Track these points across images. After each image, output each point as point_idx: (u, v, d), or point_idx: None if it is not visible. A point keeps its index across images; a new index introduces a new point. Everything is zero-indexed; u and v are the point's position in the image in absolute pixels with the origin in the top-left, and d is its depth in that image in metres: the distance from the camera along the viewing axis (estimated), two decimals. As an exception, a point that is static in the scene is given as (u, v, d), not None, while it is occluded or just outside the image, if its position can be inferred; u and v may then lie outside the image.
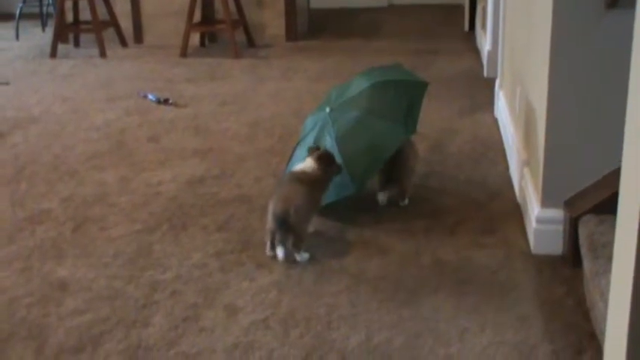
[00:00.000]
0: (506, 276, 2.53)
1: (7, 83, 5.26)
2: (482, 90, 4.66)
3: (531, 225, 2.69)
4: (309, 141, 3.06)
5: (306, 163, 2.83)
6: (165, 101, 4.64)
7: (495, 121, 4.09)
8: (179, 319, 2.35)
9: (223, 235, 2.90)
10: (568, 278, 2.48)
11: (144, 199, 3.26)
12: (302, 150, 3.07)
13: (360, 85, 3.14)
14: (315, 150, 2.86)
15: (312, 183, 2.77)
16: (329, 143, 2.96)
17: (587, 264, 2.25)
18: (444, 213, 3.02)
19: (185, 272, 2.64)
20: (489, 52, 4.99)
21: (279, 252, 2.66)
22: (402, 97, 3.10)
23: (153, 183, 3.43)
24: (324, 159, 2.83)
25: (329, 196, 2.90)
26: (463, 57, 5.61)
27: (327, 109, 3.07)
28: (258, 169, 3.55)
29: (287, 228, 2.64)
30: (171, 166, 3.63)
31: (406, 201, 3.09)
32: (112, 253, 2.78)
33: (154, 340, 2.25)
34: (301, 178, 2.78)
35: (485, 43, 5.23)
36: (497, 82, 4.22)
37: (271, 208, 2.68)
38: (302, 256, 2.67)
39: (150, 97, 4.73)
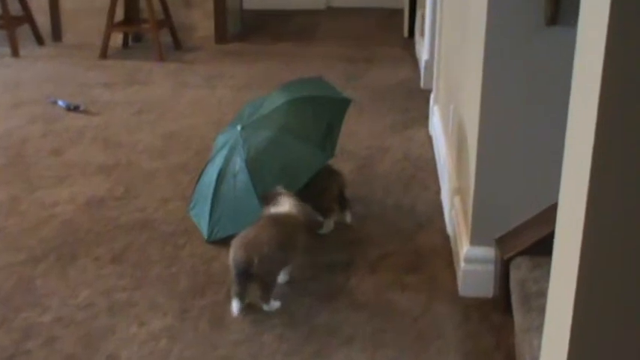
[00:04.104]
0: (429, 323, 2.24)
1: None
2: (417, 103, 4.38)
3: (460, 264, 2.41)
4: (219, 161, 2.74)
5: (286, 205, 2.43)
6: (76, 108, 4.26)
7: (430, 138, 3.81)
8: (49, 375, 2.02)
9: (117, 268, 2.57)
10: (498, 326, 2.21)
11: (34, 222, 2.91)
12: (211, 170, 2.76)
13: (275, 101, 2.82)
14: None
15: (294, 227, 2.40)
16: (238, 165, 2.65)
17: (517, 317, 1.97)
18: (367, 245, 2.72)
19: (67, 314, 2.30)
20: (427, 62, 4.71)
21: (234, 305, 2.27)
22: (322, 116, 2.81)
23: (47, 204, 3.07)
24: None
25: (234, 226, 2.54)
26: (400, 66, 5.32)
27: (239, 127, 2.76)
28: (167, 189, 3.20)
29: (248, 278, 2.26)
30: (70, 183, 3.27)
31: (324, 230, 2.79)
32: (-15, 290, 2.43)
33: (15, 402, 1.91)
34: (281, 220, 2.38)
35: (423, 52, 4.95)
36: (432, 96, 3.94)
37: (232, 253, 2.29)
38: (271, 306, 2.30)
39: (60, 103, 4.34)
